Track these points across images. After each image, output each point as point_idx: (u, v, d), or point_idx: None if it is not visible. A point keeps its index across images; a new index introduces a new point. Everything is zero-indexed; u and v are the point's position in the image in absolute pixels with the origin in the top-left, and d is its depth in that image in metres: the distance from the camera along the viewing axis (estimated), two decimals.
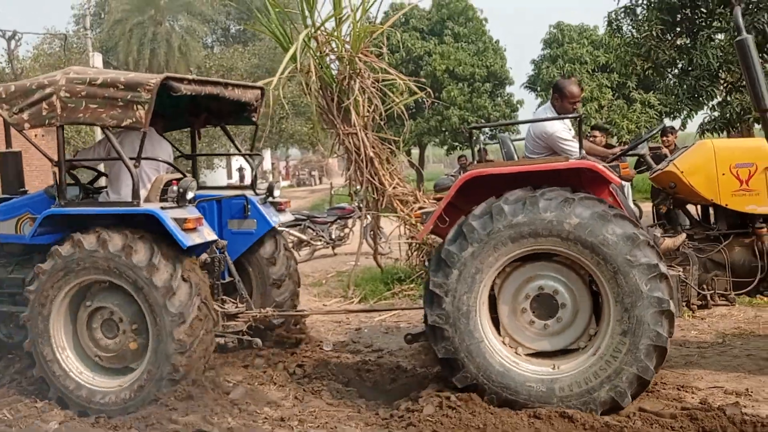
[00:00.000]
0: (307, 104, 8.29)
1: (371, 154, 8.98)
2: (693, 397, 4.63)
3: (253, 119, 6.48)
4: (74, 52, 33.64)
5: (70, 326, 5.23)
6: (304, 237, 13.02)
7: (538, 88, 25.48)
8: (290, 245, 8.55)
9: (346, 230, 13.77)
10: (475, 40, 24.31)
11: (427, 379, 5.19)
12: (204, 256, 5.61)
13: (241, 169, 38.75)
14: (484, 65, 23.75)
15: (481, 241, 4.31)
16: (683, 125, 17.59)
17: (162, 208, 5.05)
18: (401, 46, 21.28)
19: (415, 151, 26.26)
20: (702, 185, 4.68)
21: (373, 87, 9.03)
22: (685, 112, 12.66)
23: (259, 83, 9.75)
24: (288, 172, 58.55)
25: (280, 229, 6.81)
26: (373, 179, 9.02)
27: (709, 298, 4.68)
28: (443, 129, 23.72)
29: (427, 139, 24.58)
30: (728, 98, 11.21)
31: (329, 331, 7.40)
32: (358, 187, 10.26)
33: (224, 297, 5.75)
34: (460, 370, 4.40)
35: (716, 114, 11.09)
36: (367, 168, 8.97)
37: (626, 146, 5.60)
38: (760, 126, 12.06)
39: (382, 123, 9.23)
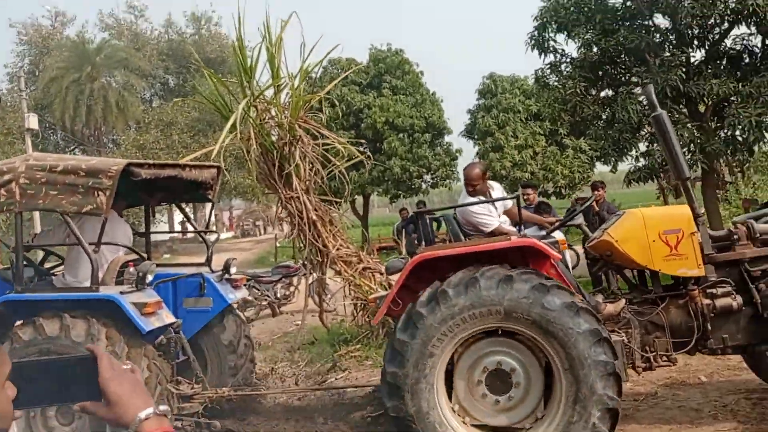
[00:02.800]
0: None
1: (314, 217, 9.19)
2: None
3: (209, 197, 6.58)
4: (8, 111, 32.98)
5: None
6: (248, 297, 12.99)
7: (476, 137, 26.28)
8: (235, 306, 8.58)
9: (292, 288, 13.80)
10: (413, 92, 25.01)
11: None
12: (160, 337, 5.63)
13: (183, 222, 38.27)
14: (423, 116, 24.41)
15: (430, 328, 4.49)
16: (614, 168, 18.47)
17: (121, 292, 5.08)
18: (341, 101, 21.73)
19: (360, 199, 26.65)
20: (636, 252, 4.98)
21: (314, 152, 9.32)
22: (613, 159, 13.37)
23: (201, 152, 9.91)
24: (232, 223, 57.93)
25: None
26: (317, 242, 9.21)
27: (652, 359, 4.92)
28: (386, 179, 24.14)
29: (370, 189, 24.94)
30: (650, 148, 11.90)
31: (271, 401, 7.35)
32: (299, 247, 10.43)
33: (179, 378, 5.76)
34: None
35: (641, 164, 11.74)
36: (310, 231, 9.16)
37: (563, 217, 5.95)
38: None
39: (322, 184, 9.49)
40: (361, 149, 10.41)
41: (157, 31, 42.61)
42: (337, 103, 15.95)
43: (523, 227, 5.20)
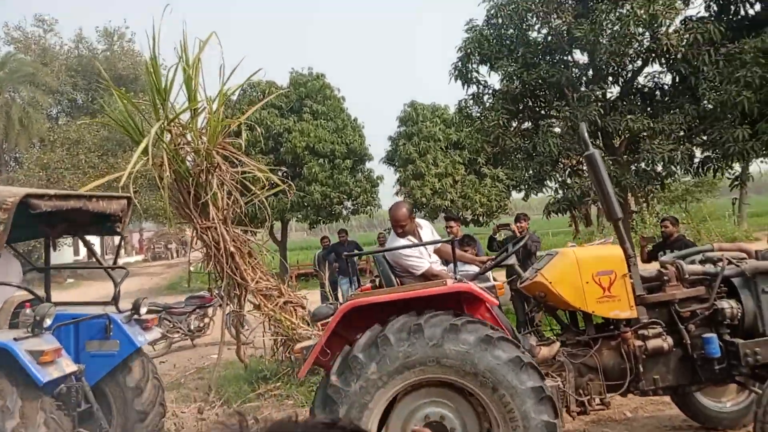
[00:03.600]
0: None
1: (232, 248, 8.73)
2: None
3: (118, 230, 6.01)
4: None
5: None
6: (159, 330, 12.27)
7: (396, 164, 26.32)
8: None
9: (206, 320, 13.14)
10: (334, 118, 24.80)
11: None
12: (60, 386, 5.04)
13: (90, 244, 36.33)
14: (344, 142, 24.22)
15: (368, 375, 4.21)
16: (526, 197, 18.89)
17: (15, 339, 4.50)
18: (260, 124, 21.23)
19: (278, 224, 26.04)
20: (569, 294, 4.86)
21: (232, 180, 8.88)
22: (526, 188, 13.57)
23: (109, 178, 9.24)
24: (142, 246, 55.61)
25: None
26: (235, 274, 8.74)
27: (586, 402, 4.79)
28: (306, 204, 23.72)
29: (289, 215, 24.44)
30: (568, 181, 12.12)
31: None
32: (215, 278, 9.89)
33: (81, 429, 5.17)
34: None
35: (560, 196, 11.92)
36: (227, 263, 8.69)
37: (496, 257, 5.78)
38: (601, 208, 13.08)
39: (241, 213, 9.05)
40: (281, 176, 10.10)
41: (66, 46, 40.70)
42: (257, 127, 15.48)
43: (456, 266, 4.98)
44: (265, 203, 9.08)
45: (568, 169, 12.22)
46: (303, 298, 9.15)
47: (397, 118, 26.77)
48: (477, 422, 4.41)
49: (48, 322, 4.87)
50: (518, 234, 9.30)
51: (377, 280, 5.61)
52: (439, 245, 5.82)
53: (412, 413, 4.43)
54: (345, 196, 24.21)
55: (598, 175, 4.95)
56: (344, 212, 25.18)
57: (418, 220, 5.76)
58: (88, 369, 5.41)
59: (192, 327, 12.70)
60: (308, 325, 8.82)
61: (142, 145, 8.25)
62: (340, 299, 13.46)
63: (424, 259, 5.38)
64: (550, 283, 4.97)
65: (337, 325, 4.52)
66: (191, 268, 25.17)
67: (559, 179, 12.16)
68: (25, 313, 5.10)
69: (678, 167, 10.56)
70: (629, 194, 13.45)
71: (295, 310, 8.89)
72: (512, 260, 5.51)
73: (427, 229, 5.77)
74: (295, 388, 8.28)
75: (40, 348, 4.61)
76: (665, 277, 4.97)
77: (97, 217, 5.88)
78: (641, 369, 4.85)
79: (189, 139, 8.72)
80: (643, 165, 11.03)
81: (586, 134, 5.18)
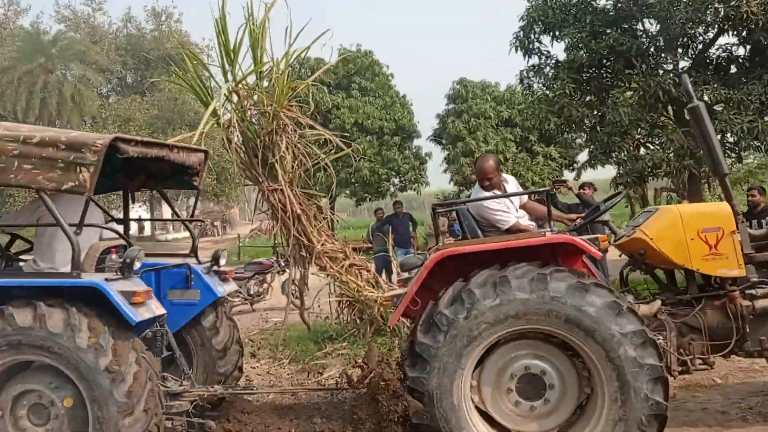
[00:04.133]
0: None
1: (298, 210, 8.64)
2: None
3: (195, 183, 5.95)
4: None
5: None
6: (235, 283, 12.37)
7: (444, 141, 26.03)
8: None
9: (265, 286, 13.23)
10: (382, 95, 24.59)
11: None
12: (146, 331, 5.03)
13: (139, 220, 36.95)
14: (392, 119, 24.00)
15: (455, 330, 4.08)
16: (578, 176, 18.47)
17: (106, 279, 4.47)
18: (310, 99, 21.18)
19: (325, 202, 26.09)
20: (672, 251, 4.65)
21: (299, 143, 8.79)
22: (579, 165, 13.17)
23: (178, 138, 9.26)
24: None
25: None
26: (301, 237, 8.66)
27: (689, 362, 4.61)
28: (354, 181, 23.64)
29: (337, 191, 24.43)
30: (638, 153, 11.73)
31: (260, 399, 6.79)
32: (280, 241, 9.85)
33: (165, 374, 5.17)
34: None
35: (627, 168, 11.52)
36: (294, 225, 8.61)
37: (586, 215, 5.55)
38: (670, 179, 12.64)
39: (306, 178, 8.97)
40: (347, 143, 9.98)
41: (115, 25, 41.28)
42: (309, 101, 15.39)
43: (552, 224, 4.76)
44: (330, 166, 8.98)
45: (637, 142, 11.79)
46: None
47: (446, 95, 26.47)
48: (577, 384, 4.24)
49: (137, 264, 4.83)
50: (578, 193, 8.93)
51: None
52: (525, 200, 5.62)
53: (509, 363, 4.28)
54: (393, 173, 24.05)
55: (702, 128, 4.72)
56: (392, 189, 25.05)
57: (504, 175, 5.55)
58: (169, 317, 5.39)
59: (251, 292, 12.81)
60: (373, 287, 8.73)
61: (212, 107, 8.20)
62: (394, 272, 13.34)
63: (511, 214, 5.17)
64: (651, 239, 4.75)
65: (427, 275, 4.39)
66: (239, 243, 25.45)
67: (629, 151, 11.71)
68: (111, 259, 5.06)
69: (759, 140, 10.07)
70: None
71: (360, 273, 8.77)
72: (606, 216, 5.29)
73: (513, 184, 5.56)
74: (362, 348, 8.20)
75: (132, 289, 4.59)
76: None
77: (175, 170, 5.83)
78: (748, 329, 4.64)
79: (255, 100, 8.62)
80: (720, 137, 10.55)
81: (689, 85, 4.95)
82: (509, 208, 5.27)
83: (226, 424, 5.68)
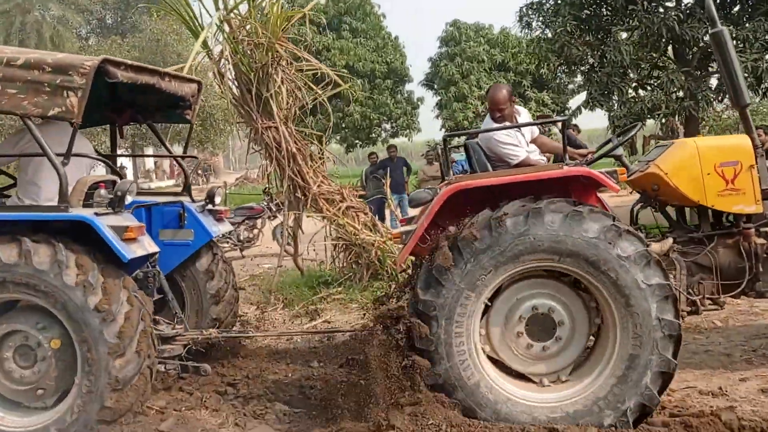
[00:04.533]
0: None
1: (293, 149, 8.38)
2: (670, 400, 4.42)
3: (188, 117, 5.64)
4: None
5: None
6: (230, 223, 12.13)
7: (436, 86, 25.57)
8: None
9: (255, 231, 13.01)
10: (374, 36, 23.97)
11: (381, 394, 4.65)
12: (136, 271, 4.81)
13: (121, 168, 36.39)
14: (384, 61, 23.46)
15: (478, 258, 3.89)
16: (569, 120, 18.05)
17: (96, 214, 4.23)
18: (298, 42, 20.57)
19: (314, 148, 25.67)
20: (687, 186, 4.45)
21: (294, 77, 8.46)
22: (572, 110, 12.90)
23: (169, 69, 8.86)
24: (173, 171, 55.83)
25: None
26: (296, 177, 8.42)
27: (698, 302, 4.47)
28: (344, 126, 23.24)
29: (327, 136, 24.05)
30: (636, 95, 11.48)
31: (255, 344, 6.65)
32: (273, 185, 9.58)
33: (156, 317, 4.97)
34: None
35: (626, 110, 11.28)
36: (289, 165, 8.36)
37: (597, 149, 5.34)
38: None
39: (302, 115, 8.68)
40: (346, 77, 9.66)
41: None
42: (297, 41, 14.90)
43: (567, 158, 4.54)
44: (326, 102, 8.68)
45: (636, 83, 11.52)
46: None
47: (438, 38, 25.87)
48: (586, 316, 4.11)
49: (129, 198, 4.59)
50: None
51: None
52: (536, 134, 5.39)
53: (517, 304, 4.13)
54: (385, 118, 23.64)
55: (725, 55, 4.46)
56: (383, 135, 24.68)
57: (516, 107, 5.30)
58: (161, 258, 5.18)
59: (241, 237, 12.58)
60: (370, 230, 8.56)
61: (202, 37, 7.85)
62: (387, 217, 13.15)
63: (522, 148, 4.93)
64: (666, 174, 4.55)
65: (439, 210, 4.19)
66: (226, 190, 25.07)
67: (628, 93, 11.42)
68: (99, 194, 4.76)
69: (763, 80, 9.83)
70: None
71: (357, 215, 8.59)
72: (620, 151, 5.08)
73: (525, 117, 5.31)
74: (359, 292, 8.07)
75: (124, 224, 4.35)
76: None
77: (166, 102, 5.53)
78: (761, 269, 4.47)
79: (248, 30, 8.22)
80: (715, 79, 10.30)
81: (713, 9, 4.65)
82: (520, 143, 5.04)
83: (220, 369, 5.52)
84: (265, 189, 12.62)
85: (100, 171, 6.21)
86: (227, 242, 12.48)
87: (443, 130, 25.43)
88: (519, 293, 4.13)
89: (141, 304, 4.37)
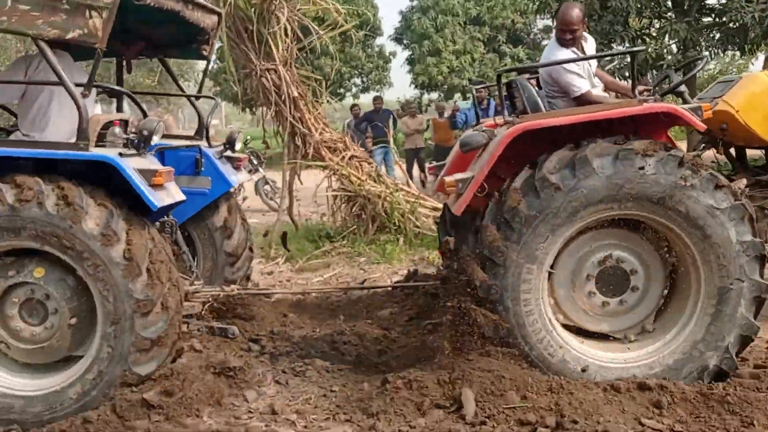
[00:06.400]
0: None
1: (295, 93, 7.90)
2: (751, 352, 4.14)
3: (204, 53, 5.06)
4: None
5: None
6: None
7: (407, 41, 24.93)
8: None
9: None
10: None
11: (423, 350, 4.33)
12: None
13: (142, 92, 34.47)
14: (355, 13, 22.64)
15: (556, 201, 3.56)
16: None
17: (121, 154, 3.73)
18: None
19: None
20: (760, 124, 4.19)
21: (295, 17, 7.96)
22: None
23: None
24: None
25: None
26: (298, 124, 7.94)
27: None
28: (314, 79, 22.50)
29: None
30: (637, 45, 11.18)
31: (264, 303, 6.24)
32: (275, 133, 9.02)
33: None
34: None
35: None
36: (290, 111, 7.87)
37: (654, 86, 4.96)
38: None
39: (304, 59, 8.18)
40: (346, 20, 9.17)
41: None
42: None
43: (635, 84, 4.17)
44: (329, 43, 8.21)
45: (637, 33, 11.18)
46: None
47: None
48: (658, 258, 3.83)
49: (156, 139, 4.06)
50: None
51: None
52: (595, 68, 4.91)
53: (586, 255, 3.82)
54: (356, 72, 22.99)
55: None
56: (354, 89, 24.05)
57: (584, 33, 4.82)
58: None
59: None
60: (375, 181, 8.16)
61: None
62: (395, 168, 12.60)
63: (586, 80, 4.51)
64: (737, 111, 4.28)
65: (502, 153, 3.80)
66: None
67: (630, 41, 11.10)
68: (113, 133, 4.20)
69: None
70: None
71: (360, 165, 8.19)
72: (682, 88, 4.75)
73: (592, 45, 4.84)
74: (365, 245, 7.71)
75: (152, 168, 3.86)
76: None
77: (184, 34, 4.97)
78: None
79: None
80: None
81: None
82: (588, 74, 4.60)
83: (238, 325, 5.12)
84: (246, 141, 11.97)
85: (98, 109, 5.63)
86: None
87: (412, 86, 24.94)
88: (578, 251, 3.82)
89: (168, 257, 3.92)
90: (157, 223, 4.41)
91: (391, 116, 13.43)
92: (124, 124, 4.37)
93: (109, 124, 4.20)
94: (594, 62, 4.74)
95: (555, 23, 4.73)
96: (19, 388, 3.73)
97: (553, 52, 4.52)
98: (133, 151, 3.94)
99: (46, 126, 4.15)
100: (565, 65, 4.38)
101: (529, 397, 3.50)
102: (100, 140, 4.07)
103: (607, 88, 4.71)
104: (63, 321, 3.71)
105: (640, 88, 5.15)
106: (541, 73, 4.57)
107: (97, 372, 3.63)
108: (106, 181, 3.79)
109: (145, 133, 3.97)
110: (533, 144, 3.87)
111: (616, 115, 3.77)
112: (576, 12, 4.46)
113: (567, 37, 4.45)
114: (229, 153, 5.35)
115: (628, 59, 10.76)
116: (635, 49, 4.56)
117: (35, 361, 3.83)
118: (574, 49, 4.52)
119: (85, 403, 3.62)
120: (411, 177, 11.34)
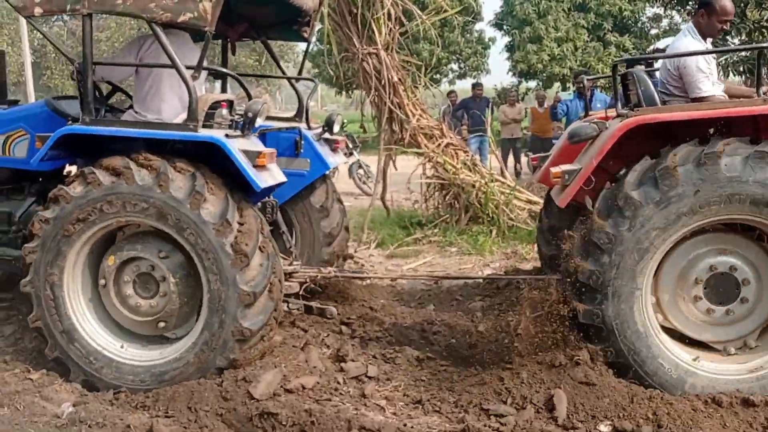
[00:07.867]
0: None
1: (395, 79, 7.89)
2: None
3: (305, 35, 5.14)
4: None
5: (89, 286, 4.01)
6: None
7: (507, 27, 24.37)
8: None
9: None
10: None
11: (514, 345, 4.23)
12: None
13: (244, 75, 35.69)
14: None
15: (643, 217, 3.44)
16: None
17: (227, 136, 3.84)
18: None
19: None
20: None
21: (399, 1, 7.94)
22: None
23: None
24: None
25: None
26: (396, 110, 7.94)
27: None
28: (410, 64, 22.42)
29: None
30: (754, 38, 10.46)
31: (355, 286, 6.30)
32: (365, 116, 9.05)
33: None
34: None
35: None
36: (389, 96, 7.88)
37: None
38: None
39: (405, 44, 8.16)
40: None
41: None
42: None
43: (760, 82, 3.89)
44: (430, 28, 8.16)
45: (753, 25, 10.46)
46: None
47: None
48: None
49: (260, 121, 4.16)
50: None
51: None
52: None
53: (691, 263, 3.63)
54: (454, 57, 22.73)
55: None
56: (450, 75, 23.79)
57: None
58: None
59: None
60: (470, 170, 8.07)
61: None
62: (488, 157, 12.42)
63: (709, 81, 4.23)
64: None
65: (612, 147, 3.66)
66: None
67: (747, 34, 10.39)
68: (220, 114, 4.34)
69: None
70: None
71: (456, 153, 8.11)
72: None
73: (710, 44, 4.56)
74: (457, 235, 7.65)
75: (256, 149, 3.94)
76: None
77: (286, 16, 5.05)
78: None
79: None
80: None
81: None
82: (713, 74, 4.33)
83: (338, 307, 5.20)
84: (343, 124, 12.13)
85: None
86: None
87: (510, 74, 24.42)
88: (692, 252, 3.64)
89: (273, 245, 4.01)
90: (259, 204, 4.54)
91: (489, 104, 13.22)
92: (230, 104, 4.51)
93: (216, 105, 4.34)
94: (715, 63, 4.47)
95: (697, 11, 4.39)
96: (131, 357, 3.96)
97: (688, 43, 4.25)
98: (238, 133, 4.05)
99: (157, 105, 4.30)
100: (698, 63, 4.13)
101: (625, 404, 3.41)
102: (207, 120, 4.22)
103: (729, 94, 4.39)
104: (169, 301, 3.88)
105: (764, 88, 4.83)
106: (666, 64, 4.33)
107: (196, 355, 3.79)
108: (209, 159, 3.92)
109: (250, 114, 4.06)
110: (645, 139, 3.72)
111: (741, 114, 3.56)
112: (731, 2, 4.20)
113: (718, 27, 4.21)
114: (327, 135, 5.40)
115: (744, 54, 10.23)
116: (758, 45, 4.23)
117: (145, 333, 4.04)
118: (709, 42, 4.28)
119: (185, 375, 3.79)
120: (506, 167, 11.14)
